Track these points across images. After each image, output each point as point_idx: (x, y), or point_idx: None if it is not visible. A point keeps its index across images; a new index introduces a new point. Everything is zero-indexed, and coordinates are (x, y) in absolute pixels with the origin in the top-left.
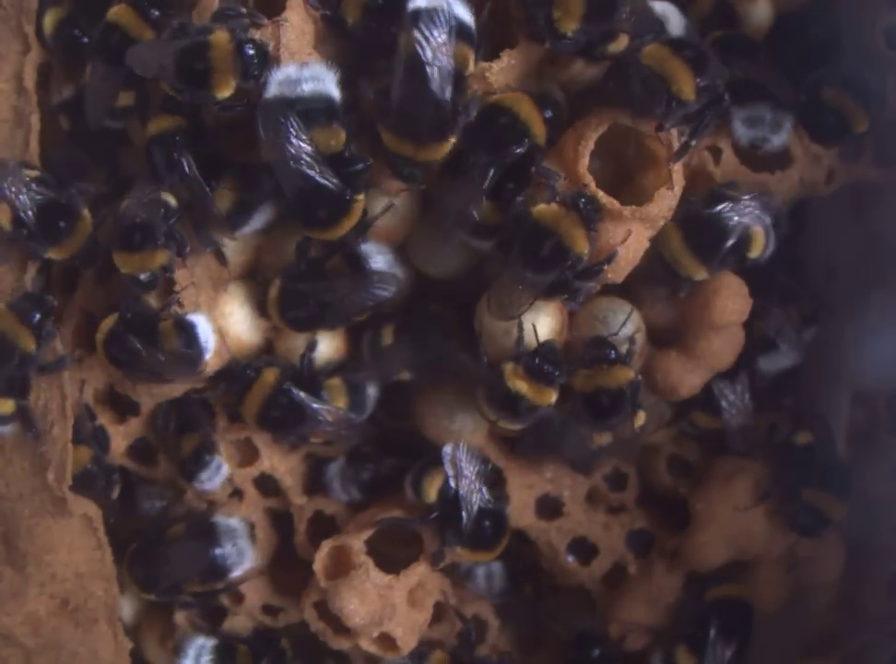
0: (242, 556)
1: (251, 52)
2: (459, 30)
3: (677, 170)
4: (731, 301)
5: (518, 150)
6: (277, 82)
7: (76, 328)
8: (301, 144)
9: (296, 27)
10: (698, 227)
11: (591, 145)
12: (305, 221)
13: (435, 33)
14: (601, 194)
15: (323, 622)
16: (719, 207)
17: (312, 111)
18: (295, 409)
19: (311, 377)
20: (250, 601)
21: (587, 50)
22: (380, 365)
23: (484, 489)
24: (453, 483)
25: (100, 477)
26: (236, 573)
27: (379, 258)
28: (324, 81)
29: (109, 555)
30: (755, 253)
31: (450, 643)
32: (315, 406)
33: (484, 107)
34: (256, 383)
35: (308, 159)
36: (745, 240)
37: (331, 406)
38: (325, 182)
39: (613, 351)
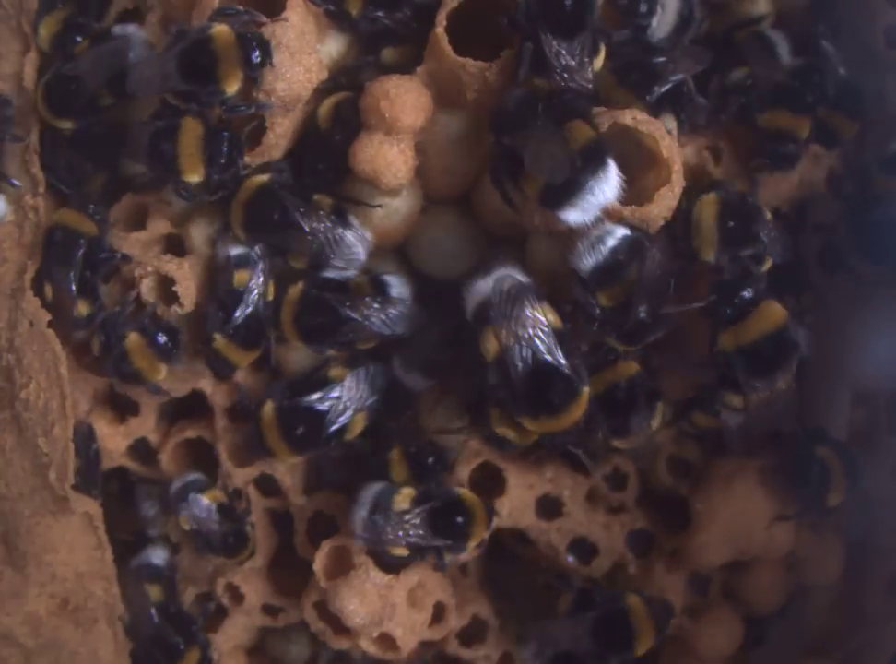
0: None
1: (253, 41)
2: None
3: (677, 170)
4: None
5: None
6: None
7: None
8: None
9: (296, 26)
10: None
11: None
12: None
13: (518, 312)
14: None
15: (323, 622)
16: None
17: None
18: (329, 314)
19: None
20: (250, 601)
21: None
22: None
23: (414, 522)
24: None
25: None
26: None
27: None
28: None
29: (109, 555)
30: None
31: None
32: (347, 304)
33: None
34: (285, 298)
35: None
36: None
37: (360, 300)
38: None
39: (612, 352)
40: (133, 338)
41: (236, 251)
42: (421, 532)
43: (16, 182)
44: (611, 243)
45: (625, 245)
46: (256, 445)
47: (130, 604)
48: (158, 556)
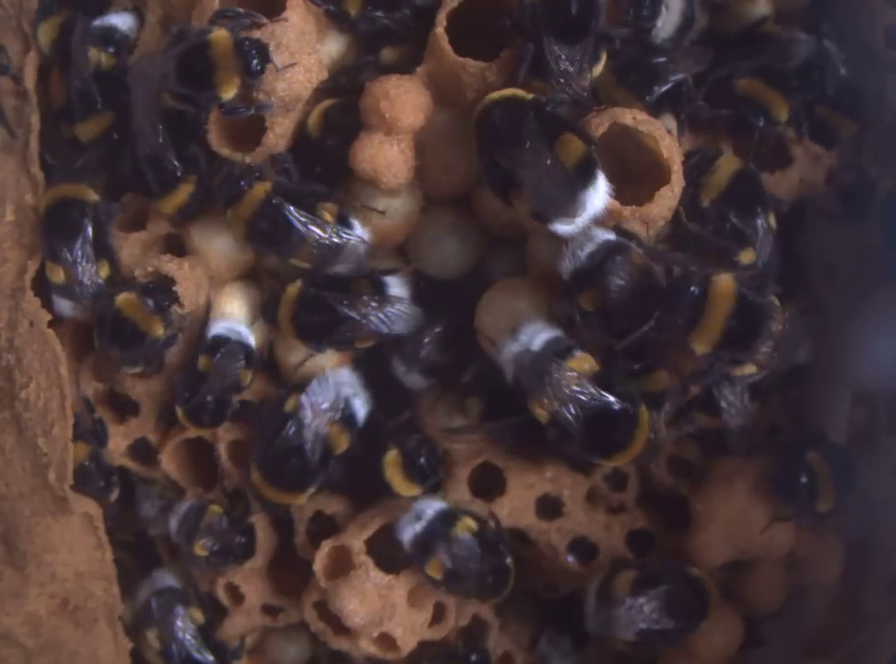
0: None
1: (251, 48)
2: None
3: (677, 170)
4: None
5: None
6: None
7: (75, 328)
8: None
9: (296, 27)
10: None
11: None
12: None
13: (548, 380)
14: None
15: (323, 622)
16: None
17: None
18: (327, 312)
19: (334, 281)
20: (250, 601)
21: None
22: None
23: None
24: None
25: (97, 476)
26: None
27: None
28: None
29: (109, 555)
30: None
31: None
32: (345, 303)
33: None
34: (283, 296)
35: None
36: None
37: (358, 299)
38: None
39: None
40: (123, 296)
41: (215, 331)
42: (458, 572)
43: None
44: (589, 249)
45: (603, 252)
46: (268, 508)
47: (165, 632)
48: (171, 578)
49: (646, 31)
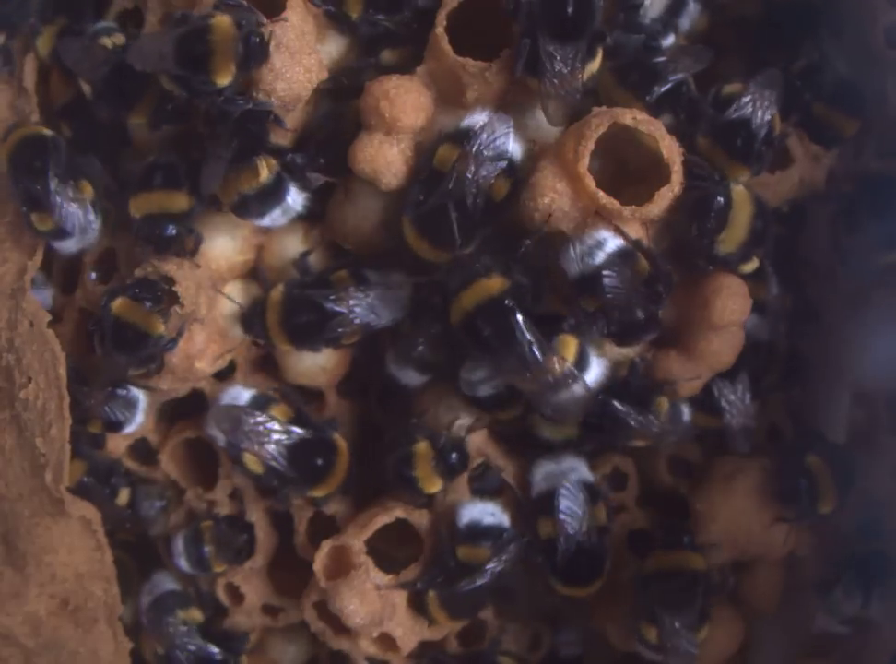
0: None
1: (254, 38)
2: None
3: (677, 170)
4: (731, 301)
5: None
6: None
7: (75, 328)
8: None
9: (296, 27)
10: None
11: (591, 145)
12: None
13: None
14: (601, 193)
15: (323, 622)
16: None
17: None
18: (315, 311)
19: (315, 279)
20: (250, 601)
21: None
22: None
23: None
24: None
25: (97, 487)
26: None
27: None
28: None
29: (108, 556)
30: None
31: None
32: (331, 298)
33: None
34: (268, 302)
35: None
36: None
37: (342, 292)
38: None
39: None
40: (119, 302)
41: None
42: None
43: None
44: (601, 257)
45: (614, 259)
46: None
47: (166, 638)
48: (170, 581)
49: (633, 9)
